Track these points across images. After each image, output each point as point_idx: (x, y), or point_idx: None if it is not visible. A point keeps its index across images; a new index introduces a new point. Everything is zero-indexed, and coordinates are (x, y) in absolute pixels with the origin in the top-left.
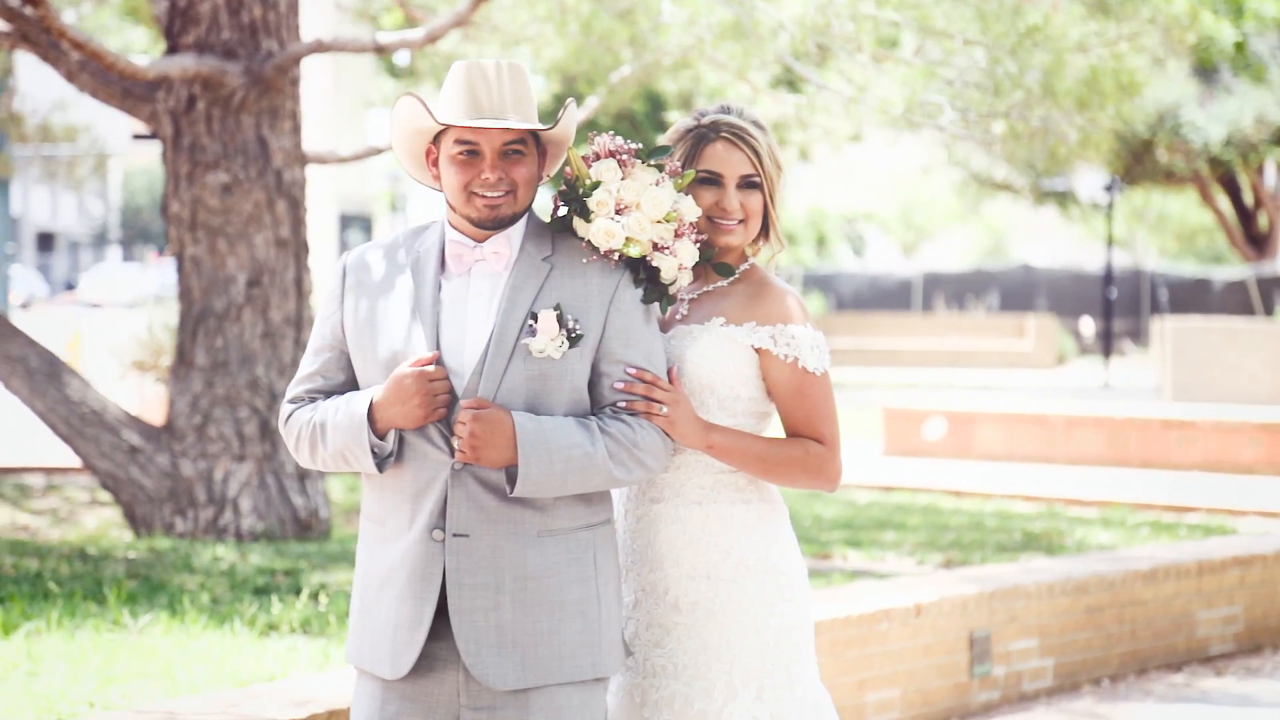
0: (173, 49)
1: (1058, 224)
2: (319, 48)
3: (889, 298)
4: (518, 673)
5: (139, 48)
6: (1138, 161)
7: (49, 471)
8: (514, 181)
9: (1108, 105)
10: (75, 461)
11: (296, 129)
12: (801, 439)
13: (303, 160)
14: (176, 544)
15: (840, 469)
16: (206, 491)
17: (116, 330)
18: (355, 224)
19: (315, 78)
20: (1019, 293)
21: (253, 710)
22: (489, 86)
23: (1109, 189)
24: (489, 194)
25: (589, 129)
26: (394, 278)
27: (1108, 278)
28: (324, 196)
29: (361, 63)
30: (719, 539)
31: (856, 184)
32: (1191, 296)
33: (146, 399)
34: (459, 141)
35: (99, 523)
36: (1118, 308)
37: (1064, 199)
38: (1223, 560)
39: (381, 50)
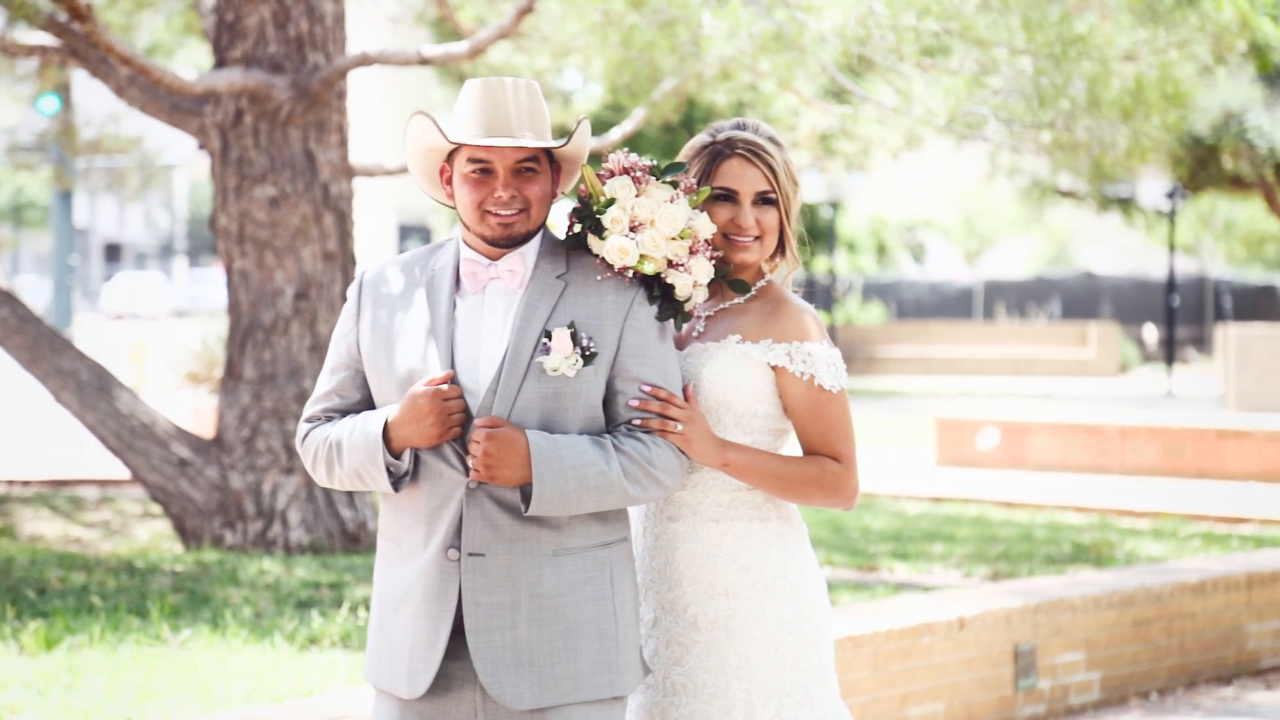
0: (220, 63)
1: (1122, 231)
2: (364, 61)
3: (950, 306)
4: (535, 692)
5: (204, 64)
6: (1202, 167)
7: (103, 484)
8: (527, 199)
9: (1153, 115)
10: (128, 474)
11: (343, 142)
12: (818, 457)
13: (350, 173)
14: (224, 557)
15: (857, 487)
16: (255, 504)
17: (176, 342)
18: (414, 234)
19: (365, 89)
20: (1082, 300)
21: None
22: (501, 104)
23: (1171, 196)
24: (502, 212)
25: (637, 140)
26: (409, 296)
27: (1171, 285)
28: (382, 207)
29: (414, 72)
30: (737, 557)
31: (918, 192)
32: (1257, 303)
33: (201, 411)
34: (472, 160)
35: (150, 535)
36: (1182, 315)
37: (1127, 206)
38: (1274, 572)
39: (426, 63)
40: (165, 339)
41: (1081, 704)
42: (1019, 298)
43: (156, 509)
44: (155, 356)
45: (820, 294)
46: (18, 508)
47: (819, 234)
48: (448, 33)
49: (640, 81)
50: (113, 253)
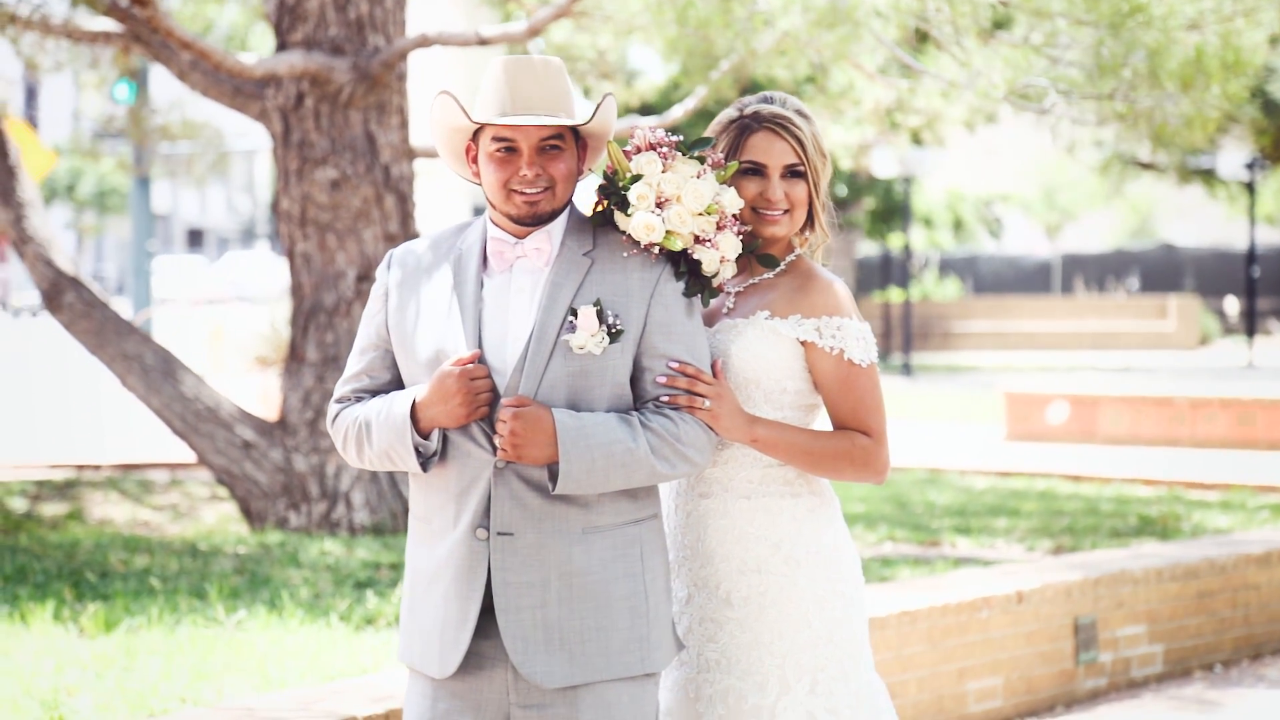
0: (282, 46)
1: (1204, 203)
2: (424, 42)
3: (1028, 280)
4: (566, 670)
5: (270, 49)
6: None
7: (172, 468)
8: (552, 177)
9: (1214, 84)
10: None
11: (404, 124)
12: (848, 431)
13: (410, 155)
14: (287, 538)
15: (888, 461)
16: (319, 486)
17: (248, 327)
18: None
19: (429, 69)
20: (1162, 273)
21: (332, 706)
22: (525, 83)
23: (1251, 167)
24: (527, 190)
25: (697, 119)
26: (436, 276)
27: (1251, 256)
28: (454, 190)
29: (478, 53)
30: (768, 533)
31: (996, 167)
32: None
33: (269, 395)
34: (496, 139)
35: (217, 518)
36: (1263, 286)
37: (1209, 177)
38: None
39: (485, 43)
40: (240, 323)
41: (1144, 677)
42: (1098, 271)
43: (224, 492)
44: (230, 341)
45: (896, 270)
46: (87, 492)
47: (894, 210)
48: (510, 13)
49: (698, 59)
50: (195, 238)
